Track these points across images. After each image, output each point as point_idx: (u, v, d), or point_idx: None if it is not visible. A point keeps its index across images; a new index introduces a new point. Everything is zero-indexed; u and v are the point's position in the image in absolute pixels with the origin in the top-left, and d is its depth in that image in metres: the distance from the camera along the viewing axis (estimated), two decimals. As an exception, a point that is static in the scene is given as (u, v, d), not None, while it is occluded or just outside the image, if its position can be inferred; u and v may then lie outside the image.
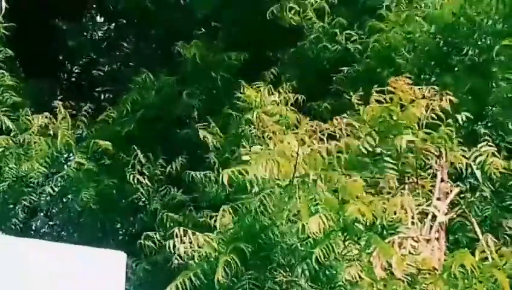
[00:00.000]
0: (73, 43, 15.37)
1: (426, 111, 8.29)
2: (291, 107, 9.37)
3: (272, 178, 7.25)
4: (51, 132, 11.10)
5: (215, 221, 7.68)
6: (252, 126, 9.25)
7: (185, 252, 7.50)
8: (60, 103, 11.44)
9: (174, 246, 7.61)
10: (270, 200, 7.28)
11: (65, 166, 11.09)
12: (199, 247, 7.52)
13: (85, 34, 15.71)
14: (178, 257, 7.53)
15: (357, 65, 11.11)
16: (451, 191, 8.35)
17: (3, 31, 11.66)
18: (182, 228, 7.75)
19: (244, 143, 8.17)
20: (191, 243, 7.57)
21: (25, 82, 12.86)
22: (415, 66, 10.32)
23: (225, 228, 7.51)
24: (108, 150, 11.08)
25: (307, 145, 7.90)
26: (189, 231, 7.72)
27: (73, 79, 15.82)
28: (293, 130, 8.75)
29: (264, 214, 7.28)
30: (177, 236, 7.63)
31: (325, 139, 8.14)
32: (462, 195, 8.63)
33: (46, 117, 11.15)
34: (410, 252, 7.67)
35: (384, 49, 10.61)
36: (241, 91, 9.58)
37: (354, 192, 7.35)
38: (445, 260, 7.50)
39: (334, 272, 7.22)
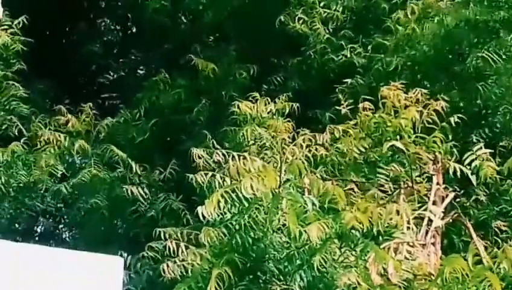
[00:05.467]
0: (83, 49, 15.40)
1: (420, 116, 8.33)
2: (287, 119, 9.41)
3: (259, 192, 7.24)
4: (71, 129, 11.25)
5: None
6: (247, 140, 9.28)
7: (178, 267, 7.52)
8: (88, 104, 11.64)
9: (168, 267, 7.63)
10: (259, 213, 7.29)
11: (80, 169, 11.08)
12: (193, 260, 7.53)
13: (95, 40, 15.76)
14: (172, 273, 7.56)
15: (361, 78, 11.10)
16: (446, 195, 8.36)
17: (21, 46, 11.72)
18: (174, 242, 7.76)
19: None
20: (182, 261, 7.59)
21: (35, 87, 12.93)
22: (416, 75, 10.35)
23: (215, 243, 7.50)
24: (122, 158, 11.12)
25: (292, 154, 7.94)
26: (182, 245, 7.73)
27: (83, 84, 15.84)
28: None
29: (254, 228, 7.28)
30: (169, 250, 7.66)
31: (305, 145, 8.19)
32: (457, 199, 8.63)
33: (69, 114, 11.31)
34: (405, 258, 7.68)
35: (386, 71, 10.62)
36: (235, 108, 9.58)
37: (338, 196, 7.38)
38: (441, 265, 7.50)
39: (331, 278, 7.23)
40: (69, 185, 10.93)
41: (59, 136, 11.02)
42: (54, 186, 11.00)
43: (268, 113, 9.54)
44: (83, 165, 11.19)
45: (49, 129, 11.11)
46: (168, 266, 7.62)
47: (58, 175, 11.03)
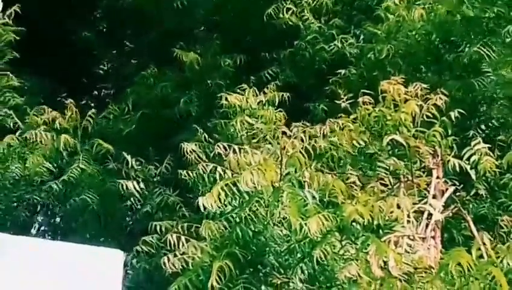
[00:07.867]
0: (77, 40, 15.36)
1: (420, 110, 8.34)
2: (279, 110, 9.39)
3: (260, 186, 7.23)
4: (58, 127, 11.08)
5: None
6: (238, 131, 9.26)
7: (179, 260, 7.51)
8: (71, 100, 11.43)
9: (169, 260, 7.62)
10: (260, 206, 7.27)
11: (70, 165, 10.95)
12: (193, 253, 7.51)
13: (89, 31, 15.72)
14: (172, 266, 7.54)
15: (354, 68, 11.09)
16: (446, 189, 8.37)
17: (13, 35, 11.64)
18: (175, 235, 7.75)
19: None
20: (183, 254, 7.58)
21: (29, 80, 12.85)
22: (410, 66, 10.34)
23: (215, 236, 7.49)
24: (110, 151, 11.06)
25: (291, 146, 7.94)
26: (183, 238, 7.72)
27: (76, 75, 15.77)
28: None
29: (255, 221, 7.27)
30: (170, 244, 7.64)
31: (306, 139, 8.19)
32: (457, 193, 8.64)
33: (54, 111, 11.17)
34: (406, 251, 7.69)
35: (379, 60, 10.62)
36: (223, 100, 9.56)
37: (338, 190, 7.37)
38: (441, 259, 7.51)
39: (331, 271, 7.23)
40: (60, 181, 10.84)
41: (46, 135, 10.93)
42: (46, 184, 10.94)
43: (258, 103, 9.54)
44: (73, 161, 11.07)
45: (38, 129, 10.98)
46: (168, 259, 7.60)
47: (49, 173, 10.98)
